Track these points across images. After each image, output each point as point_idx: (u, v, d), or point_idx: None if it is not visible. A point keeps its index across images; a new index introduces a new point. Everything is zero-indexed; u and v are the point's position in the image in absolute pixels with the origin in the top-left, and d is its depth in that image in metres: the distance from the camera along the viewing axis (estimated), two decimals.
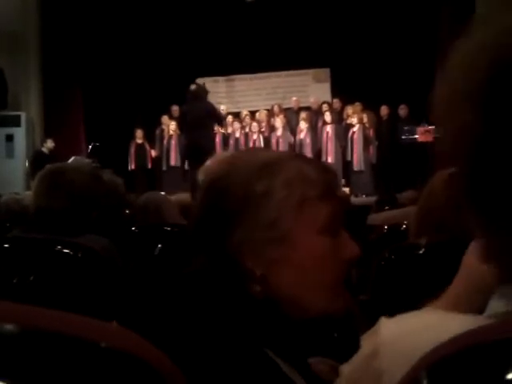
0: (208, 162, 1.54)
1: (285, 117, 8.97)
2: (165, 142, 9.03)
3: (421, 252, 1.26)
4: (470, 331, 0.40)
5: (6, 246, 1.45)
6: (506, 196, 0.41)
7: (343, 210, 0.78)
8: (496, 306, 0.46)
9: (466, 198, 0.44)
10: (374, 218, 3.45)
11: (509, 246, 0.42)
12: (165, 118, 9.21)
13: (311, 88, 10.48)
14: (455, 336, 0.40)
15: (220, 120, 7.32)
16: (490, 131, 0.40)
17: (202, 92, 6.75)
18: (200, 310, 0.72)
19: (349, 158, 8.47)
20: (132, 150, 9.20)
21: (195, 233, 0.78)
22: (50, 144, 7.98)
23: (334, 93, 10.00)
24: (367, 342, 0.52)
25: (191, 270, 0.78)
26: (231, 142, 8.97)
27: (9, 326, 0.40)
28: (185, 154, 7.64)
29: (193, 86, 6.67)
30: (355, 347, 0.56)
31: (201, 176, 1.48)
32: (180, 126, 7.88)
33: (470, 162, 0.42)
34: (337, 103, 9.27)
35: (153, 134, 9.31)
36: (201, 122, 6.37)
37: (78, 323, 0.43)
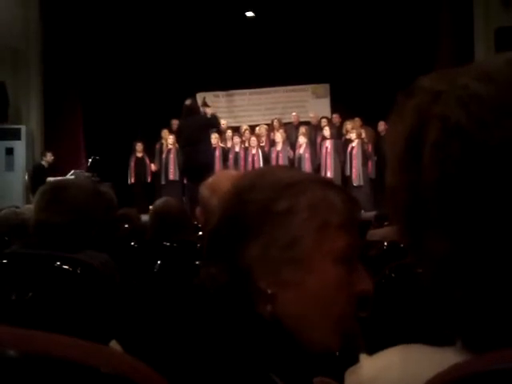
0: (210, 179, 1.53)
1: (285, 132, 9.00)
2: (163, 155, 9.05)
3: (420, 270, 1.25)
4: (464, 362, 0.42)
5: (5, 261, 1.45)
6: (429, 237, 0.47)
7: (360, 242, 0.76)
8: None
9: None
10: (374, 234, 3.45)
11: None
12: (165, 132, 9.25)
13: (311, 103, 10.55)
14: (455, 364, 0.41)
15: (215, 125, 7.29)
16: (412, 192, 0.47)
17: (196, 107, 6.79)
18: (205, 328, 0.70)
19: (348, 173, 8.49)
20: (132, 163, 9.21)
21: (210, 242, 0.77)
22: (49, 157, 7.99)
23: (334, 108, 10.06)
24: (349, 381, 0.54)
25: (200, 281, 0.76)
26: (231, 156, 8.99)
27: (10, 352, 0.40)
28: (182, 170, 7.67)
29: (187, 101, 6.71)
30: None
31: (205, 192, 1.47)
32: (177, 140, 7.90)
33: (403, 213, 0.50)
34: (336, 118, 9.33)
35: (153, 147, 9.34)
36: (196, 137, 6.40)
37: (78, 348, 0.42)
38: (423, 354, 0.49)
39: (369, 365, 0.53)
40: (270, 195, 0.72)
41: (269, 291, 0.70)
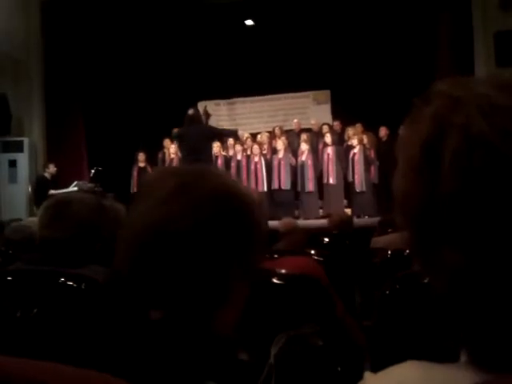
0: None
1: (286, 139, 9.01)
2: (166, 165, 9.06)
3: (426, 281, 1.25)
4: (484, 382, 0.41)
5: (9, 278, 1.45)
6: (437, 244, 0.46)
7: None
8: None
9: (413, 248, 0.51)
10: (377, 241, 3.44)
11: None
12: (166, 142, 9.27)
13: (312, 110, 10.57)
14: None
15: (228, 134, 7.39)
16: (427, 200, 0.46)
17: (198, 116, 6.86)
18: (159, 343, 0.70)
19: (350, 179, 8.48)
20: (134, 173, 9.22)
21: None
22: (52, 169, 8.01)
23: (335, 114, 10.07)
24: None
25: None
26: (233, 164, 9.00)
27: (13, 381, 0.41)
28: None
29: (190, 111, 6.77)
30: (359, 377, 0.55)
31: None
32: (179, 148, 7.93)
33: (414, 221, 0.48)
34: (337, 125, 9.33)
35: (155, 157, 9.36)
36: (199, 146, 6.45)
37: (76, 377, 0.43)
38: (432, 370, 0.48)
39: (375, 382, 0.52)
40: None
41: None
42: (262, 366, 0.83)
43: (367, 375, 0.54)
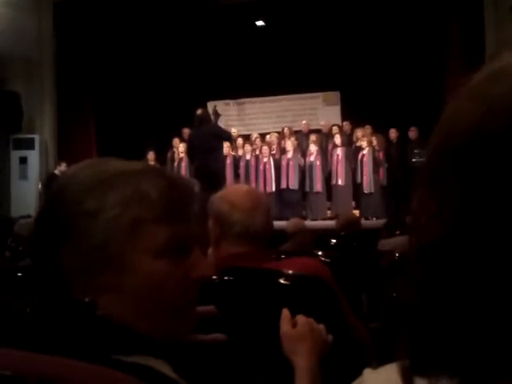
0: (227, 193, 1.47)
1: (296, 139, 9.02)
2: (175, 164, 9.10)
3: None
4: None
5: (20, 274, 1.47)
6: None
7: (193, 228, 0.71)
8: None
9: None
10: (385, 244, 3.44)
11: None
12: (175, 141, 9.31)
13: (321, 111, 10.56)
14: None
15: (228, 138, 7.43)
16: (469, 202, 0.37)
17: (208, 116, 6.89)
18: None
19: (359, 181, 8.47)
20: None
21: (30, 248, 0.73)
22: (63, 167, 8.08)
23: (344, 115, 10.07)
24: None
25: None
26: (241, 164, 9.02)
27: (5, 372, 0.42)
28: (194, 177, 7.74)
29: (199, 111, 6.81)
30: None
31: (224, 206, 1.43)
32: (188, 149, 7.94)
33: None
34: (347, 126, 9.32)
35: (165, 156, 9.40)
36: (208, 146, 6.48)
37: (72, 368, 0.43)
38: None
39: (374, 378, 0.50)
40: (79, 193, 0.67)
41: (86, 299, 0.65)
42: (268, 366, 0.82)
43: (366, 371, 0.53)
